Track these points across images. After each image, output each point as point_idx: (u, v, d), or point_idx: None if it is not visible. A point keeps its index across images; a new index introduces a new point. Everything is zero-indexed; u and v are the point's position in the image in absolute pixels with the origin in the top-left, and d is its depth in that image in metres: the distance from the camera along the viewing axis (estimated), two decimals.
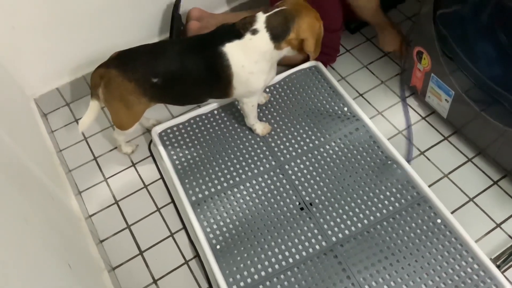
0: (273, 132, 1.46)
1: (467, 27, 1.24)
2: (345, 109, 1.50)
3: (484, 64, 1.24)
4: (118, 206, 1.43)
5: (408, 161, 1.43)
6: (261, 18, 1.21)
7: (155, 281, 1.28)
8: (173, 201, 1.42)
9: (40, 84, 1.57)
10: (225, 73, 1.23)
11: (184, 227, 1.37)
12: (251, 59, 1.22)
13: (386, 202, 1.30)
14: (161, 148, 1.44)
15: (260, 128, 1.44)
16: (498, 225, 1.31)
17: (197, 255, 1.31)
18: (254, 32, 1.21)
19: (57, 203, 1.20)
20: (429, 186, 1.35)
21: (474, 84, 1.29)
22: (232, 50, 1.21)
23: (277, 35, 1.21)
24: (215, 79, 1.25)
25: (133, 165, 1.51)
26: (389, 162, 1.38)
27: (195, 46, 1.26)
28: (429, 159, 1.46)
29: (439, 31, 1.31)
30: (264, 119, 1.49)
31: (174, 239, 1.35)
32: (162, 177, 1.47)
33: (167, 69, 1.24)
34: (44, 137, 1.49)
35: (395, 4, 1.85)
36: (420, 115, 1.56)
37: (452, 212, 1.30)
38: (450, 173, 1.42)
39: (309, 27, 1.22)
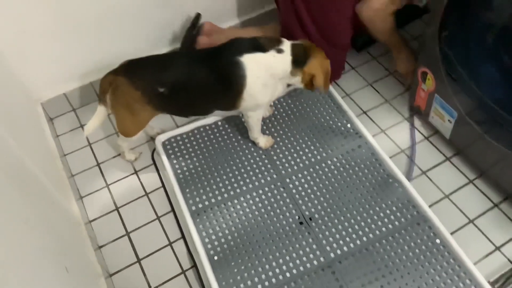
0: (275, 146, 1.47)
1: (472, 49, 1.25)
2: (348, 125, 1.51)
3: (487, 87, 1.25)
4: (119, 212, 1.43)
5: (409, 179, 1.43)
6: (287, 43, 1.29)
7: None
8: (173, 210, 1.42)
9: (48, 89, 1.59)
10: (238, 83, 1.26)
11: (183, 237, 1.37)
12: (267, 73, 1.27)
13: (386, 220, 1.30)
14: (164, 157, 1.45)
15: (263, 141, 1.45)
16: (498, 248, 1.30)
17: (194, 266, 1.31)
18: (280, 51, 1.27)
19: (58, 207, 1.21)
20: (430, 206, 1.34)
21: (477, 106, 1.30)
22: (251, 61, 1.25)
23: (297, 62, 1.28)
24: (226, 89, 1.27)
25: (135, 172, 1.52)
26: (390, 180, 1.38)
27: (207, 57, 1.29)
28: (430, 179, 1.45)
29: (444, 52, 1.32)
30: (267, 132, 1.50)
31: (172, 248, 1.35)
32: (163, 186, 1.48)
33: (174, 79, 1.26)
34: (49, 141, 1.50)
35: (403, 25, 1.87)
36: (423, 135, 1.56)
37: (451, 233, 1.29)
38: (451, 194, 1.42)
39: (320, 64, 1.30)
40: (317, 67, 1.30)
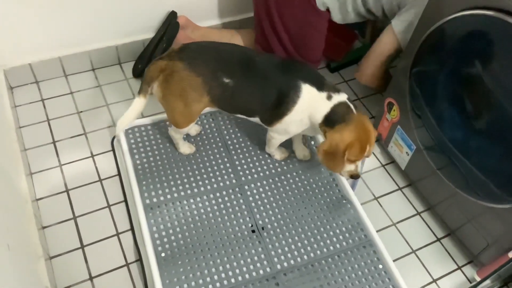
0: (239, 151, 1.48)
1: (438, 90, 1.31)
2: (312, 142, 1.54)
3: (448, 127, 1.31)
4: (68, 195, 1.39)
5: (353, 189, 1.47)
6: (342, 97, 1.21)
7: (91, 278, 1.24)
8: (125, 201, 1.39)
9: (14, 56, 1.53)
10: (287, 105, 1.21)
11: (132, 229, 1.34)
12: (308, 111, 1.22)
13: (334, 239, 1.34)
14: (124, 145, 1.42)
15: (279, 154, 1.46)
16: (434, 281, 1.37)
17: (139, 259, 1.28)
18: (330, 97, 1.21)
19: (6, 180, 1.16)
20: (377, 231, 1.39)
21: (435, 143, 1.36)
22: (307, 92, 1.21)
23: (329, 119, 1.20)
24: (276, 105, 1.23)
25: (92, 156, 1.48)
26: (344, 201, 1.42)
27: (280, 66, 1.23)
28: (381, 206, 1.51)
29: (412, 87, 1.38)
30: (232, 135, 1.50)
31: (119, 239, 1.32)
32: (119, 174, 1.45)
33: (242, 73, 1.21)
34: (6, 110, 1.44)
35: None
36: (380, 162, 1.62)
37: (394, 260, 1.34)
38: (398, 222, 1.48)
39: (333, 141, 1.19)
40: (330, 140, 1.19)
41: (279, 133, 1.32)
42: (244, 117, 1.33)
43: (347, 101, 1.21)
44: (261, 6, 1.56)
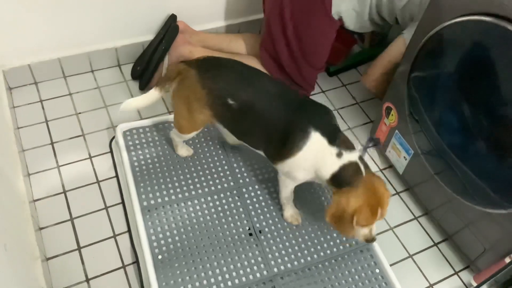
0: (237, 153, 1.48)
1: (437, 95, 1.32)
2: None
3: (446, 132, 1.31)
4: (66, 196, 1.38)
5: None
6: (353, 156, 1.11)
7: (87, 280, 1.24)
8: (123, 202, 1.39)
9: (13, 57, 1.53)
10: (291, 149, 1.13)
11: (129, 231, 1.34)
12: (316, 164, 1.13)
13: (331, 243, 1.33)
14: (122, 147, 1.42)
15: (289, 213, 1.35)
16: (431, 286, 1.37)
17: (136, 262, 1.28)
18: (340, 155, 1.11)
19: (4, 180, 1.15)
20: None
21: (433, 148, 1.36)
22: (316, 141, 1.11)
23: (337, 179, 1.11)
24: (281, 144, 1.15)
25: (90, 158, 1.48)
26: None
27: (295, 104, 1.16)
28: None
29: (411, 92, 1.38)
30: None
31: (116, 241, 1.32)
32: (117, 176, 1.45)
33: (249, 100, 1.16)
34: (5, 110, 1.44)
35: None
36: (378, 166, 1.62)
37: (391, 265, 1.34)
38: (395, 227, 1.48)
39: (339, 205, 1.10)
40: (337, 201, 1.10)
41: (283, 173, 1.24)
42: (249, 147, 1.28)
43: (358, 161, 1.11)
44: (275, 7, 1.56)
